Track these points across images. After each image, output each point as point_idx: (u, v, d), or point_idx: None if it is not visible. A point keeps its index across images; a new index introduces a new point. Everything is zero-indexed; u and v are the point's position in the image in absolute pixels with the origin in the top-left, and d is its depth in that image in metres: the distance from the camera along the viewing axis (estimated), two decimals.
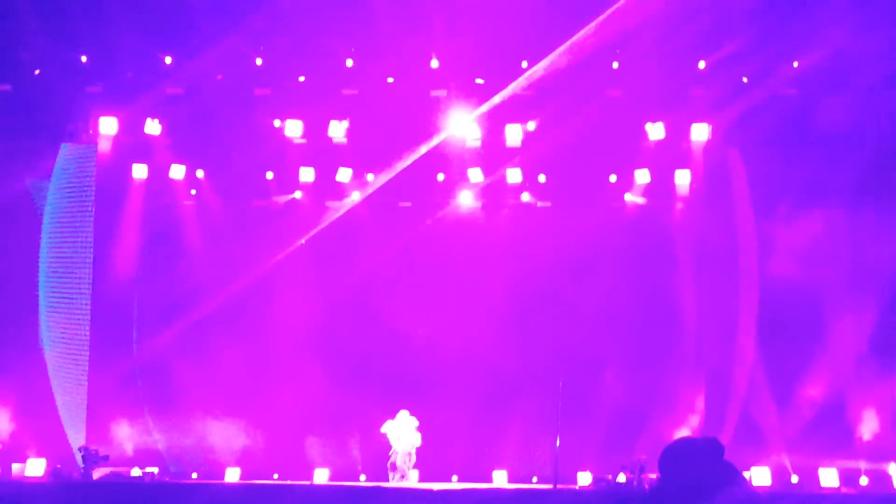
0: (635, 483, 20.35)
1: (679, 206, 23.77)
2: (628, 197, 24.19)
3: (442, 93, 22.49)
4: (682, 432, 22.23)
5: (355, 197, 24.51)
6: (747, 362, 22.14)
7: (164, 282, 24.35)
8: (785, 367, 21.94)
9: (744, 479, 8.26)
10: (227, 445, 23.68)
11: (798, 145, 22.23)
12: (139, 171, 23.87)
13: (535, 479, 22.65)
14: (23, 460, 21.61)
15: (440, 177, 24.29)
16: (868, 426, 21.56)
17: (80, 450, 21.39)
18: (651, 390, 23.43)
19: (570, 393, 22.05)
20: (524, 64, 22.00)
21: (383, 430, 22.07)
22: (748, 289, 22.26)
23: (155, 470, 22.36)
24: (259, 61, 22.12)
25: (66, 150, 23.08)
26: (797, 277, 22.01)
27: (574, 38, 21.27)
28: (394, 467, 21.68)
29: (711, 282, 22.70)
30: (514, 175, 23.74)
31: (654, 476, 17.72)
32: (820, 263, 22.06)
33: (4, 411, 22.45)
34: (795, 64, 21.55)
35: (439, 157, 23.78)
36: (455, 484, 21.54)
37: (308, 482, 21.63)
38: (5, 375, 22.48)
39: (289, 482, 21.91)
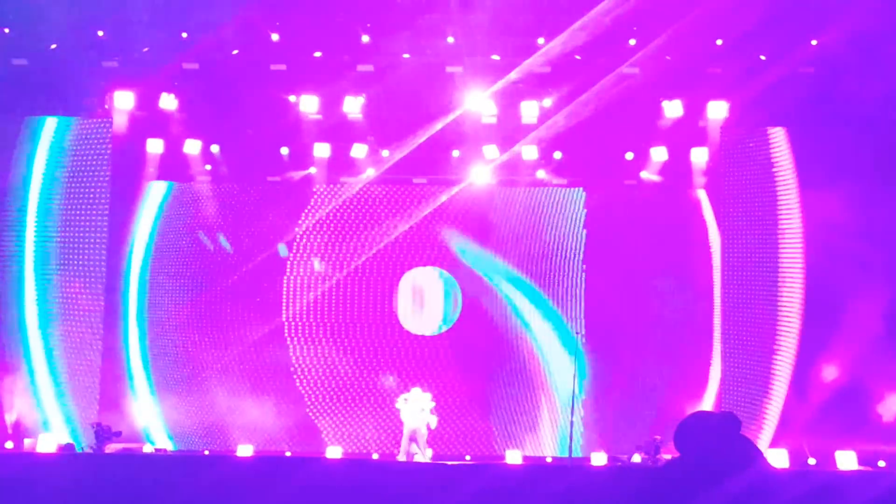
0: (651, 464, 20.34)
1: (696, 184, 23.73)
2: (644, 175, 24.14)
3: (458, 69, 22.37)
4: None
5: (370, 173, 24.52)
6: (764, 343, 22.01)
7: (179, 257, 24.41)
8: (803, 348, 21.82)
9: (762, 455, 8.21)
10: (238, 423, 23.74)
11: (816, 124, 22.09)
12: (154, 146, 23.86)
13: (549, 459, 22.71)
14: (33, 437, 21.71)
15: (455, 153, 24.27)
16: (887, 408, 21.45)
17: (92, 426, 21.45)
18: (667, 370, 23.44)
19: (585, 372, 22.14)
20: (540, 40, 21.86)
21: (397, 405, 22.07)
22: (766, 268, 22.13)
23: (167, 446, 22.44)
24: (275, 36, 22.00)
25: (81, 125, 23.04)
26: (815, 257, 21.90)
27: (590, 15, 21.12)
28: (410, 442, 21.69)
29: (728, 261, 22.58)
30: (529, 152, 23.69)
31: (669, 457, 17.65)
32: (839, 243, 21.92)
33: (17, 388, 22.44)
34: (814, 42, 21.34)
35: (455, 134, 23.75)
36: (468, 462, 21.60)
37: (320, 457, 21.65)
38: (18, 352, 22.45)
39: (301, 456, 21.96)
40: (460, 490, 9.23)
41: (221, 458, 14.14)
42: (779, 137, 22.29)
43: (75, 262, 23.09)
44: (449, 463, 20.21)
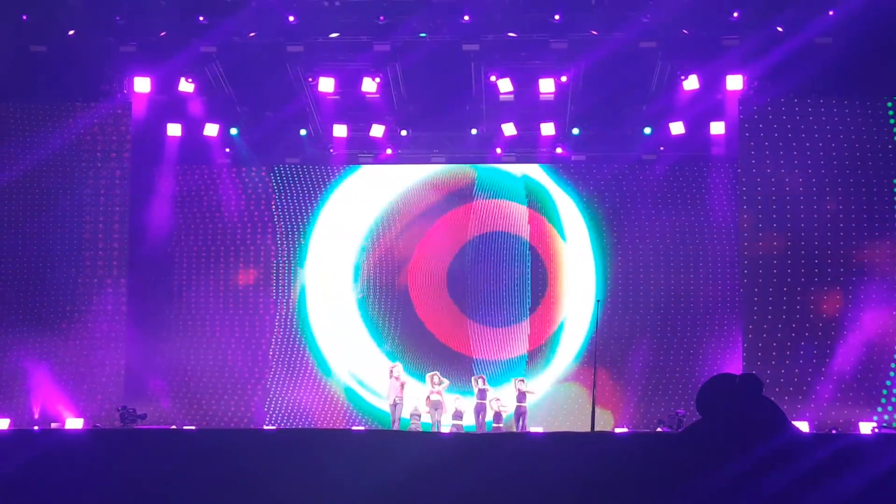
0: None
1: (714, 156, 23.71)
2: (662, 149, 24.17)
3: (474, 47, 22.34)
4: None
5: (388, 153, 24.61)
6: (786, 317, 21.94)
7: (199, 239, 24.54)
8: (822, 322, 21.76)
9: (785, 416, 8.22)
10: (262, 403, 23.91)
11: (834, 95, 22.00)
12: (173, 130, 23.97)
13: None
14: (61, 421, 21.86)
15: (473, 131, 24.30)
16: None
17: (118, 409, 21.59)
18: (689, 345, 23.43)
19: (606, 350, 22.13)
20: (556, 17, 21.82)
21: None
22: (785, 240, 22.07)
23: (192, 428, 22.57)
24: (291, 18, 22.02)
25: (100, 110, 23.14)
26: (834, 231, 21.83)
27: None
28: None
29: (749, 233, 22.55)
30: (547, 129, 23.69)
31: None
32: (858, 217, 21.84)
33: (42, 373, 22.55)
34: (831, 12, 21.23)
35: (472, 112, 23.77)
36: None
37: (347, 429, 21.83)
38: (42, 337, 22.55)
39: (326, 429, 22.14)
40: (484, 459, 9.26)
41: (244, 432, 14.25)
42: (794, 109, 22.17)
43: (97, 247, 23.20)
44: (472, 433, 20.43)
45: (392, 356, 23.82)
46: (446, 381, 22.59)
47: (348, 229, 24.80)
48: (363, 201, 24.85)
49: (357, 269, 24.76)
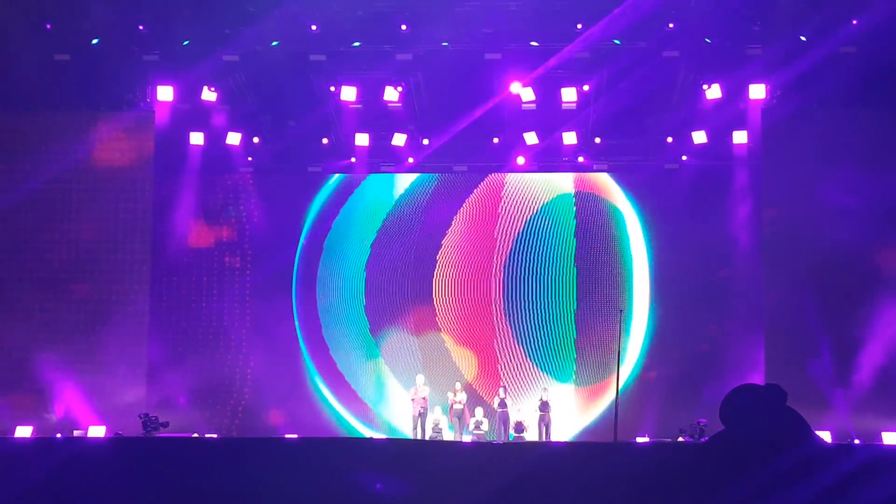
0: None
1: (737, 166, 23.64)
2: (685, 158, 24.13)
3: (496, 56, 22.31)
4: None
5: (410, 161, 24.65)
6: (809, 326, 21.86)
7: (222, 248, 24.60)
8: (846, 331, 21.66)
9: (809, 427, 8.15)
10: (283, 411, 23.95)
11: (858, 105, 21.91)
12: (196, 139, 24.03)
13: None
14: (83, 428, 21.92)
15: (495, 140, 24.30)
16: None
17: (140, 416, 21.64)
18: (710, 353, 23.35)
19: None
20: (579, 26, 21.80)
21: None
22: (808, 250, 21.99)
23: (214, 436, 22.59)
24: (314, 27, 22.05)
25: (123, 119, 23.23)
26: (857, 241, 21.74)
27: None
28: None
29: (770, 244, 22.47)
30: (569, 138, 23.67)
31: None
32: (882, 227, 21.76)
33: (65, 381, 22.62)
34: (854, 21, 21.14)
35: (495, 121, 23.77)
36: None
37: (368, 438, 21.85)
38: (63, 345, 22.64)
39: (345, 438, 22.14)
40: (504, 469, 9.25)
41: (266, 440, 14.24)
42: (818, 118, 22.09)
43: (121, 256, 23.30)
44: (494, 442, 20.44)
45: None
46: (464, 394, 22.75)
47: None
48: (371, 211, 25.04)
49: None
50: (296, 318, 24.75)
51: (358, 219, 25.03)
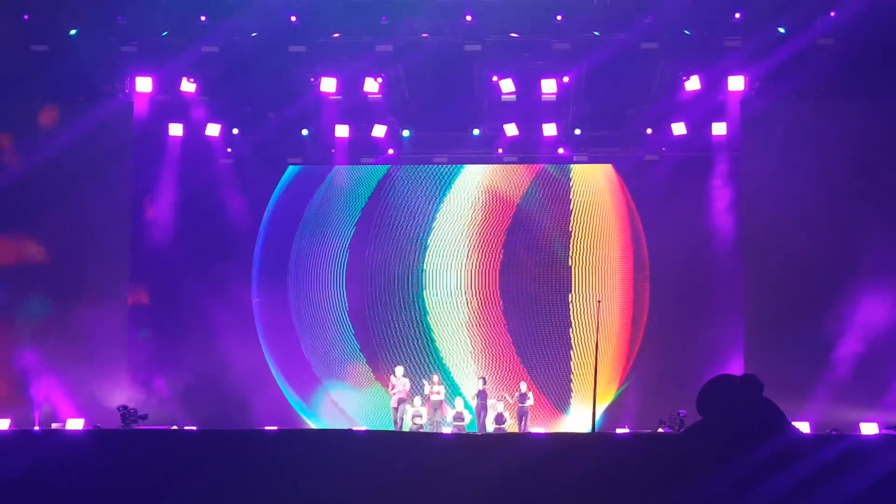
0: None
1: (716, 157, 23.70)
2: (664, 150, 24.19)
3: (476, 47, 22.29)
4: None
5: (390, 153, 24.63)
6: (787, 317, 21.95)
7: (201, 239, 24.53)
8: (824, 322, 21.74)
9: (785, 417, 8.21)
10: (263, 403, 23.95)
11: (836, 96, 21.99)
12: (175, 130, 23.96)
13: None
14: (61, 421, 21.86)
15: (475, 132, 24.31)
16: None
17: (118, 409, 21.57)
18: (690, 345, 23.42)
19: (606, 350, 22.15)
20: (559, 17, 21.79)
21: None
22: (787, 241, 22.07)
23: (193, 428, 22.56)
24: (293, 18, 21.98)
25: (102, 110, 23.12)
26: (835, 231, 21.82)
27: None
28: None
29: (749, 235, 22.55)
30: (549, 129, 23.70)
31: None
32: (859, 218, 21.84)
33: (43, 373, 22.54)
34: (832, 13, 21.20)
35: (475, 112, 23.76)
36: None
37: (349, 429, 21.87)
38: (43, 337, 22.56)
39: (325, 430, 22.15)
40: (486, 460, 9.27)
41: (246, 432, 14.24)
42: (796, 110, 22.17)
43: (99, 248, 23.23)
44: (475, 434, 20.48)
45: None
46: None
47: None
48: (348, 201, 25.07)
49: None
50: (276, 309, 24.75)
51: (336, 208, 25.03)
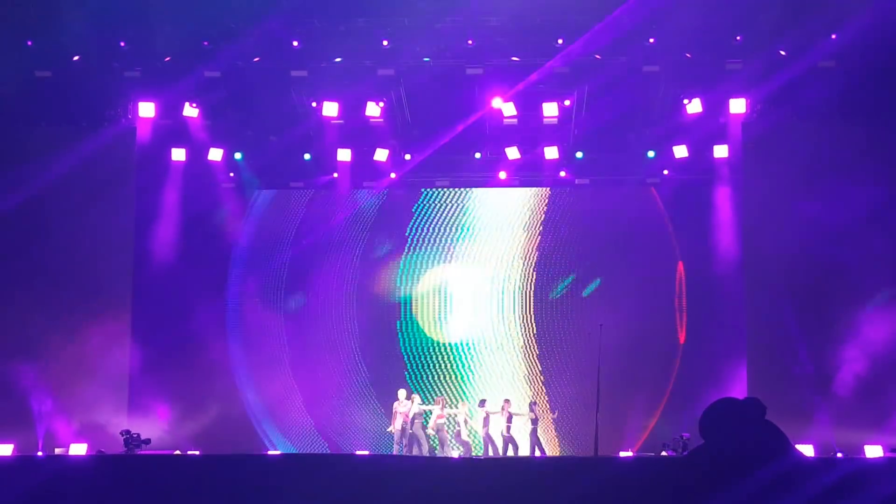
0: None
1: (718, 180, 23.73)
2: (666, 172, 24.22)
3: (478, 71, 22.36)
4: None
5: (392, 176, 24.68)
6: (791, 340, 21.91)
7: (204, 263, 24.53)
8: (827, 344, 21.71)
9: (789, 440, 8.18)
10: (267, 426, 23.91)
11: (837, 119, 22.01)
12: (178, 155, 23.99)
13: None
14: (64, 446, 21.82)
15: (477, 155, 24.36)
16: None
17: (121, 433, 21.54)
18: (693, 368, 23.39)
19: (609, 373, 22.07)
20: (560, 41, 21.86)
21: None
22: (789, 263, 22.06)
23: (196, 453, 22.54)
24: (295, 43, 22.06)
25: (105, 135, 23.17)
26: (838, 254, 21.80)
27: (610, 14, 21.12)
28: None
29: (751, 258, 22.55)
30: (551, 152, 23.73)
31: None
32: (862, 240, 21.83)
33: (46, 398, 22.51)
34: (834, 36, 21.25)
35: (476, 136, 23.81)
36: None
37: (349, 454, 21.84)
38: (46, 362, 22.53)
39: (328, 454, 22.15)
40: (486, 483, 9.27)
41: (248, 457, 14.24)
42: (798, 132, 22.19)
43: (102, 273, 23.22)
44: (475, 457, 20.44)
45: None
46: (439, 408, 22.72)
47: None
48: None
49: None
50: (279, 332, 24.73)
51: (343, 230, 25.07)
